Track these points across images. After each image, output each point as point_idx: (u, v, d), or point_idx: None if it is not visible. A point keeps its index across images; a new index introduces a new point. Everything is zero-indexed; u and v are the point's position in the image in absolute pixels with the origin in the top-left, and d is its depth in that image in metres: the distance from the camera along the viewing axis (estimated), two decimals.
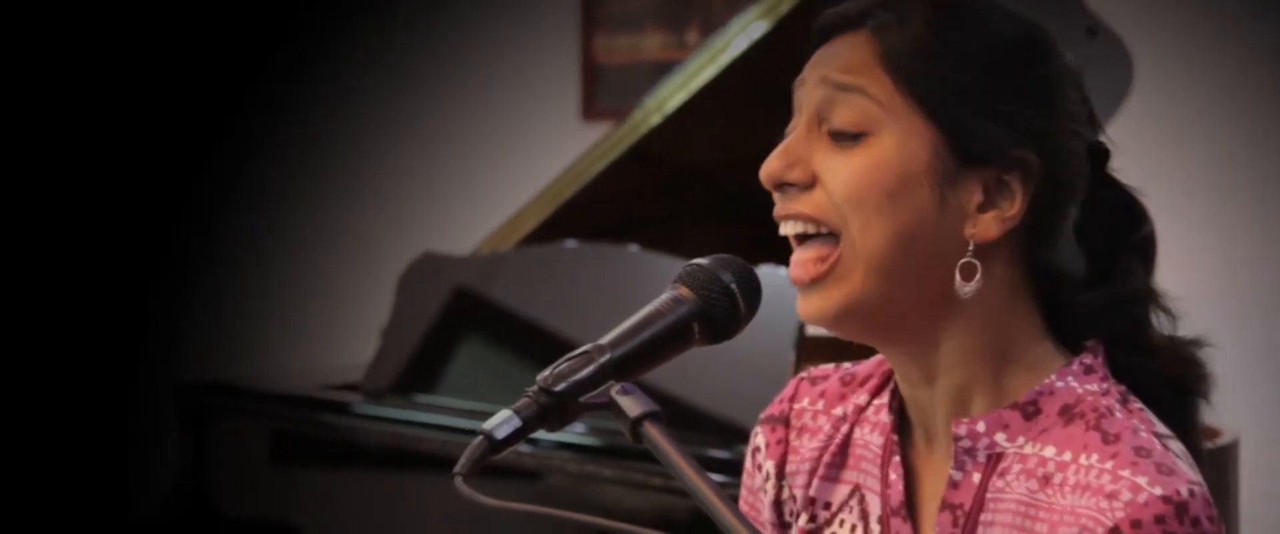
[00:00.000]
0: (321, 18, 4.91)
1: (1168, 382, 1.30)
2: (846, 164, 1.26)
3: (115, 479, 5.09)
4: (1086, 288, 1.31)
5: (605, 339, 1.23)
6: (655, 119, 2.95)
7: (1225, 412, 3.19)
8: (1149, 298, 1.32)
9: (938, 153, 1.25)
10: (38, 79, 4.93)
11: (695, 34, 4.33)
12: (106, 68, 4.98)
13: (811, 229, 1.28)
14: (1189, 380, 1.31)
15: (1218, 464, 2.63)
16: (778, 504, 1.43)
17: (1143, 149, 3.69)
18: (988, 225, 1.26)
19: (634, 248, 2.84)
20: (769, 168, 1.29)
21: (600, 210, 3.14)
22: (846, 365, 1.45)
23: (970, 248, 1.26)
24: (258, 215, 5.06)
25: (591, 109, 4.48)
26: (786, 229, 1.29)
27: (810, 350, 2.61)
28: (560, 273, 2.92)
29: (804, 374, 1.46)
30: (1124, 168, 4.11)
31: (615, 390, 1.19)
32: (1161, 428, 1.26)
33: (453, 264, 3.07)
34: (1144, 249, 1.33)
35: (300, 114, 4.95)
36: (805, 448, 1.40)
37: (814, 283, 1.27)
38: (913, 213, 1.25)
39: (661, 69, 3.88)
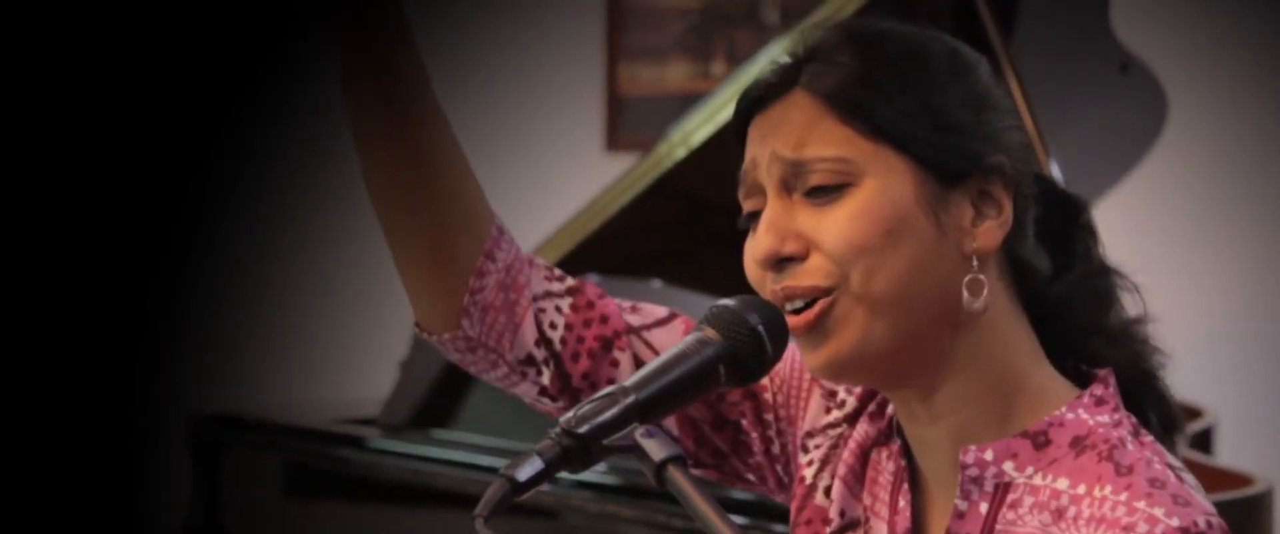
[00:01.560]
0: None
1: (1129, 366, 1.31)
2: (837, 217, 1.25)
3: (125, 511, 5.09)
4: (1054, 278, 1.32)
5: (630, 381, 1.22)
6: (680, 152, 2.96)
7: (1260, 458, 3.17)
8: (1111, 272, 1.34)
9: (920, 180, 1.25)
10: (34, 110, 4.95)
11: (720, 65, 4.35)
12: (112, 91, 5.00)
13: (816, 296, 1.26)
14: (1149, 361, 1.33)
15: (1252, 514, 2.62)
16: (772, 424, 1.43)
17: (1177, 185, 3.70)
18: (987, 235, 1.27)
19: (657, 283, 2.84)
20: (761, 247, 1.27)
21: (623, 244, 3.14)
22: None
23: (975, 264, 1.26)
24: (276, 246, 5.07)
25: (615, 140, 4.50)
26: (794, 303, 1.27)
27: None
28: None
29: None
30: (1159, 203, 4.11)
31: (639, 433, 1.19)
32: (1174, 460, 1.26)
33: None
34: (1091, 230, 1.36)
35: (322, 145, 4.97)
36: (833, 417, 1.41)
37: (819, 326, 1.26)
38: (917, 245, 1.25)
39: (686, 100, 3.89)
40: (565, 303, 1.42)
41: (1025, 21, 2.86)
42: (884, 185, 1.25)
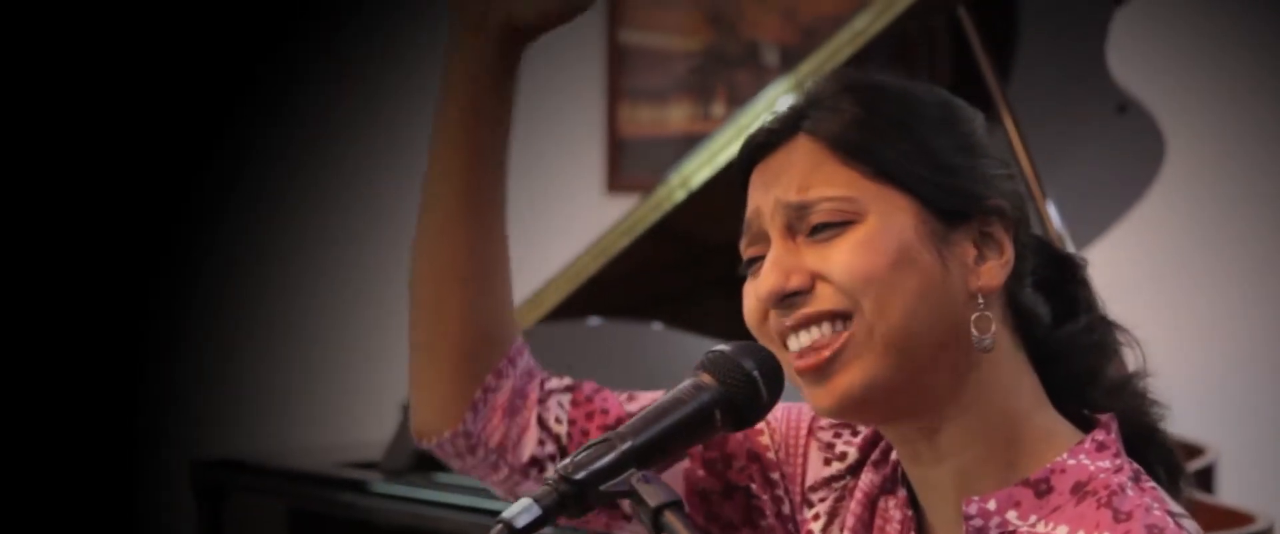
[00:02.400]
0: (340, 94, 4.96)
1: (1129, 419, 1.34)
2: (843, 248, 1.28)
3: None
4: (1055, 327, 1.35)
5: (626, 427, 1.24)
6: (680, 195, 2.98)
7: (1262, 496, 3.19)
8: (1112, 326, 1.37)
9: (923, 219, 1.29)
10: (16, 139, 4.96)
11: (721, 106, 4.37)
12: (119, 122, 5.01)
13: (826, 328, 1.28)
14: (1149, 414, 1.36)
15: None
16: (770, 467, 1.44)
17: (1176, 226, 3.72)
18: (991, 274, 1.30)
19: (657, 326, 2.85)
20: (767, 285, 1.29)
21: (624, 286, 3.16)
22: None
23: (981, 302, 1.29)
24: (277, 288, 5.09)
25: (616, 182, 4.51)
26: (800, 341, 1.28)
27: None
28: (583, 351, 2.93)
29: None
30: (1157, 244, 4.11)
31: (636, 479, 1.20)
32: (1175, 506, 1.28)
33: None
34: (1089, 286, 1.39)
35: (323, 188, 4.99)
36: (834, 467, 1.43)
37: (829, 365, 1.27)
38: (921, 279, 1.27)
39: (687, 141, 3.92)
40: (566, 399, 1.46)
41: (1022, 63, 2.88)
42: (887, 221, 1.27)
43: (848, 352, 1.27)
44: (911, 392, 1.29)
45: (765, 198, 1.31)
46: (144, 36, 5.00)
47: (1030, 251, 1.34)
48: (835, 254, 1.27)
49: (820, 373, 1.28)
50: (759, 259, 1.32)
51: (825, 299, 1.28)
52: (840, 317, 1.28)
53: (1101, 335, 1.36)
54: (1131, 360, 1.38)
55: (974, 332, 1.28)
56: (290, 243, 5.08)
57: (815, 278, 1.28)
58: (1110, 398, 1.34)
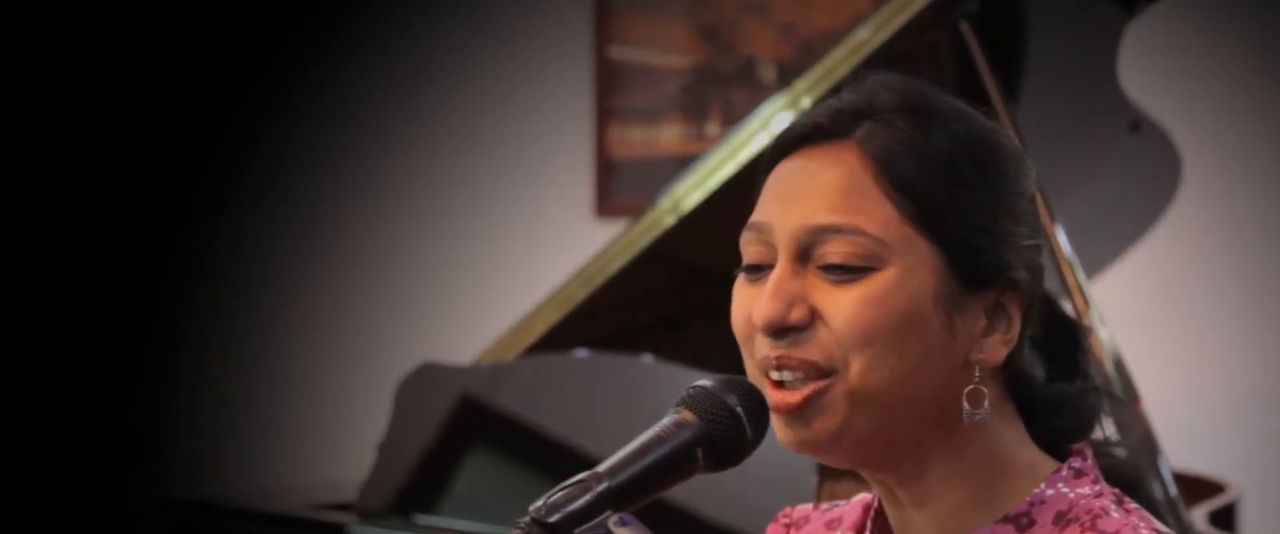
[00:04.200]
0: (318, 108, 4.96)
1: (1110, 472, 1.35)
2: (850, 299, 1.25)
3: None
4: (1048, 384, 1.35)
5: (603, 467, 1.23)
6: (669, 220, 2.98)
7: None
8: (1100, 393, 1.37)
9: (944, 279, 1.27)
10: None
11: (715, 125, 4.37)
12: (70, 154, 5.02)
13: (803, 375, 1.27)
14: (1127, 473, 1.38)
15: None
16: None
17: (1194, 250, 3.72)
18: (994, 350, 1.29)
19: (648, 358, 2.85)
20: (767, 311, 1.26)
21: (613, 315, 3.16)
22: (826, 505, 1.46)
23: (977, 375, 1.28)
24: (248, 316, 5.08)
25: (606, 205, 4.51)
26: (783, 375, 1.27)
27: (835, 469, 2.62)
28: (570, 384, 2.93)
29: (782, 518, 1.47)
30: (1175, 269, 4.11)
31: (613, 522, 1.20)
32: (1161, 526, 1.29)
33: (454, 375, 3.08)
34: (1087, 351, 1.38)
35: (295, 211, 4.99)
36: None
37: (800, 411, 1.27)
38: (923, 345, 1.26)
39: (680, 163, 3.92)
40: None
41: (1029, 78, 2.88)
42: (907, 278, 1.25)
43: (821, 401, 1.27)
44: (884, 448, 1.29)
45: (784, 213, 1.28)
46: (115, 132, 5.02)
47: (1034, 319, 1.33)
48: (844, 301, 1.25)
49: (791, 414, 1.28)
50: (758, 268, 1.30)
51: (816, 348, 1.26)
52: (824, 371, 1.26)
53: (1093, 402, 1.36)
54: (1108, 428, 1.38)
55: (965, 405, 1.28)
56: (259, 278, 5.07)
57: (816, 318, 1.26)
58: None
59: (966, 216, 1.27)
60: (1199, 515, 3.00)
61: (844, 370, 1.26)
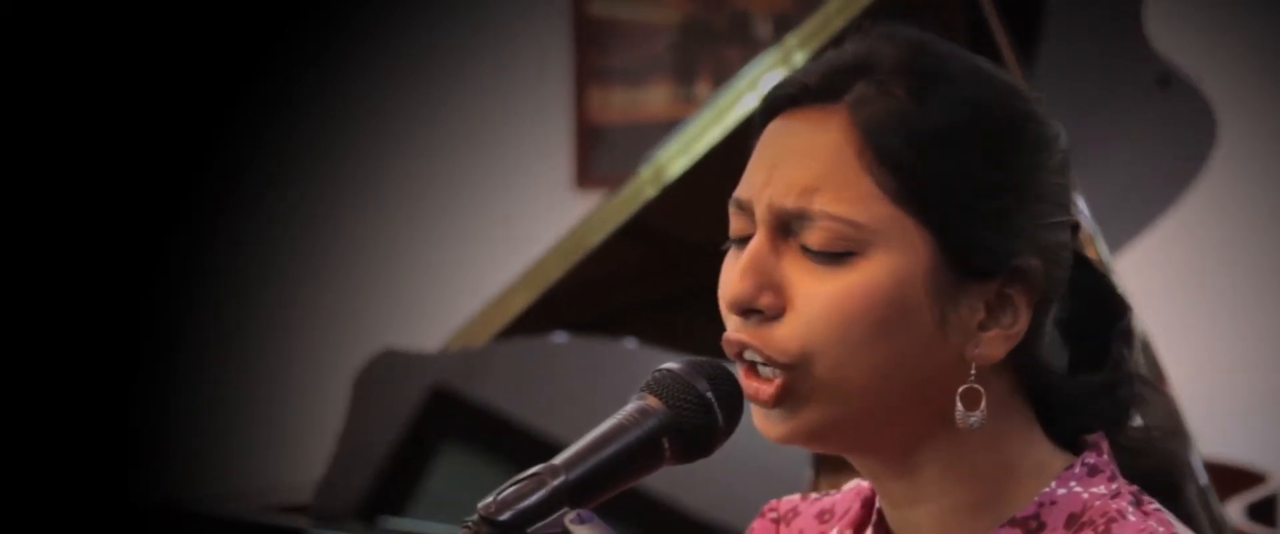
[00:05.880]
0: (278, 72, 4.96)
1: (1153, 471, 1.33)
2: (827, 292, 1.24)
3: None
4: (1072, 377, 1.32)
5: (559, 459, 1.22)
6: (650, 191, 2.98)
7: None
8: (1136, 382, 1.34)
9: (936, 266, 1.24)
10: None
11: (705, 87, 4.37)
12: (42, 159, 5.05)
13: (778, 363, 1.26)
14: (1173, 471, 1.34)
15: None
16: None
17: (1229, 215, 3.72)
18: (993, 345, 1.26)
19: (631, 342, 2.85)
20: (736, 291, 1.25)
21: (593, 295, 3.16)
22: (815, 496, 1.45)
23: (972, 373, 1.26)
24: (225, 307, 5.08)
25: (587, 176, 4.52)
26: (752, 357, 1.26)
27: (830, 460, 2.62)
28: (547, 372, 2.94)
29: (768, 512, 1.47)
30: (1209, 236, 4.11)
31: (570, 519, 1.20)
32: (1182, 529, 1.28)
33: (419, 363, 3.08)
34: (1129, 337, 1.35)
35: (255, 183, 4.99)
36: None
37: (773, 404, 1.26)
38: (907, 340, 1.24)
39: (667, 128, 3.92)
40: None
41: (1047, 30, 2.88)
42: (893, 265, 1.24)
43: (794, 395, 1.25)
44: (872, 439, 1.28)
45: (761, 190, 1.26)
46: (93, 137, 5.04)
47: (1053, 303, 1.29)
48: (819, 291, 1.24)
49: (765, 406, 1.27)
50: (743, 240, 1.28)
51: (778, 341, 1.25)
52: (791, 363, 1.25)
53: (1125, 393, 1.34)
54: (1149, 413, 1.35)
55: (958, 406, 1.26)
56: (230, 264, 5.08)
57: (786, 304, 1.25)
58: (1126, 457, 1.32)
59: (961, 198, 1.24)
60: (1236, 508, 3.00)
61: (814, 364, 1.24)
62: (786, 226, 1.26)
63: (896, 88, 1.25)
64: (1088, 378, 1.32)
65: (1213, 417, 2.93)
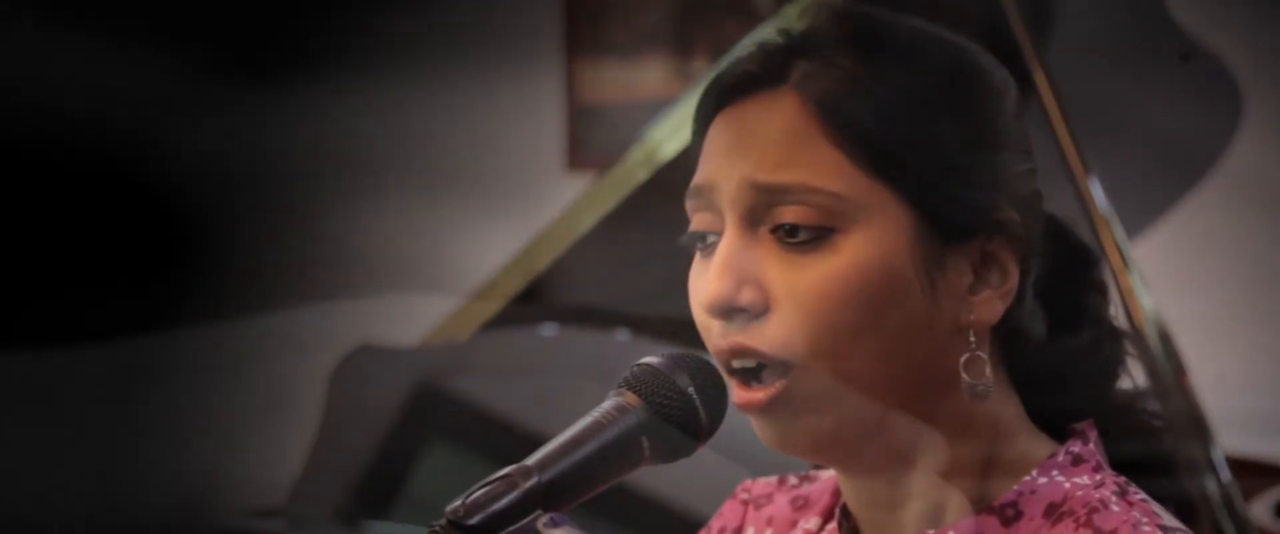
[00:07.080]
0: (260, 51, 4.97)
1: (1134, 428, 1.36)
2: (814, 276, 1.25)
3: None
4: (1050, 343, 1.33)
5: (532, 459, 1.24)
6: (643, 173, 2.99)
7: None
8: (1119, 336, 1.36)
9: (918, 233, 1.26)
10: None
11: (703, 62, 4.38)
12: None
13: (771, 366, 1.26)
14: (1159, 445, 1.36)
15: None
16: None
17: (1255, 197, 3.73)
18: (988, 307, 1.28)
19: (623, 334, 2.86)
20: (710, 291, 1.26)
21: (583, 283, 3.17)
22: (792, 480, 1.46)
23: (972, 340, 1.27)
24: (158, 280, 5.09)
25: (578, 156, 4.53)
26: (744, 363, 1.27)
27: None
28: (535, 366, 2.95)
29: (741, 493, 1.48)
30: (1235, 227, 4.12)
31: (543, 522, 1.20)
32: (1169, 520, 1.28)
33: (399, 359, 3.09)
34: (1103, 290, 1.37)
35: (229, 156, 4.99)
36: None
37: (769, 409, 1.27)
38: (904, 317, 1.26)
39: (662, 107, 3.93)
40: None
41: (1065, 7, 2.89)
42: (877, 240, 1.25)
43: (791, 397, 1.26)
44: (870, 446, 1.29)
45: (727, 170, 1.27)
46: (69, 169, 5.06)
47: (1036, 258, 1.31)
48: (804, 281, 1.25)
49: (762, 413, 1.28)
50: (708, 236, 1.29)
51: (771, 338, 1.26)
52: (785, 364, 1.26)
53: (1109, 352, 1.36)
54: (1134, 377, 1.37)
55: (964, 377, 1.27)
56: (184, 259, 5.08)
57: (770, 300, 1.26)
58: (1110, 423, 1.34)
59: (933, 158, 1.26)
60: (1262, 507, 3.01)
61: (815, 359, 1.25)
62: (757, 214, 1.26)
63: (842, 59, 1.27)
64: (1070, 340, 1.34)
65: (1237, 411, 2.94)
